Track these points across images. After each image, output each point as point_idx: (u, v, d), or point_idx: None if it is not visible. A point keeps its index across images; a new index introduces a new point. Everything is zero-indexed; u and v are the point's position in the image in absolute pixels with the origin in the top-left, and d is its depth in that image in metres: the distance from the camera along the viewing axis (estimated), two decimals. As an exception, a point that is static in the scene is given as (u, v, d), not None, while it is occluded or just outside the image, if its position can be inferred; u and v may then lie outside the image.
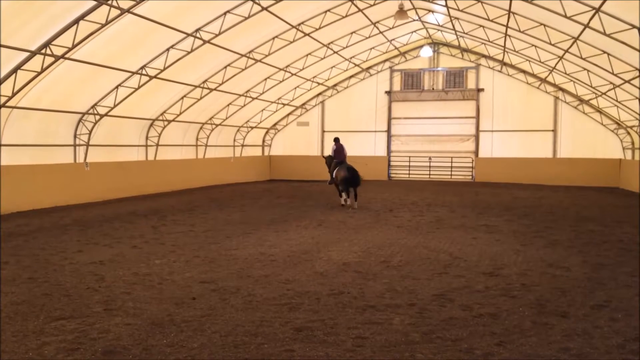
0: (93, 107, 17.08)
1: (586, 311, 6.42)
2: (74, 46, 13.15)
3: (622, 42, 14.47)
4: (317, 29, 19.79)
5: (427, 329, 5.78)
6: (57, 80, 14.78)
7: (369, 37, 23.07)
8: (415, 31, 25.21)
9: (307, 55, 22.79)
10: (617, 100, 20.95)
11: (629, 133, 24.24)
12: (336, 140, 17.41)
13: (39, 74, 13.38)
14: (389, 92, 28.73)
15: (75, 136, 17.40)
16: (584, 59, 18.15)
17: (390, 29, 23.02)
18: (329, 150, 28.63)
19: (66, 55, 13.55)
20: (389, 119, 28.82)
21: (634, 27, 13.45)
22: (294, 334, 5.58)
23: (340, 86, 29.16)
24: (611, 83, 19.45)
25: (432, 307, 6.56)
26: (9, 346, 5.21)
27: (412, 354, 5.11)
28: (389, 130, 28.87)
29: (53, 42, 12.85)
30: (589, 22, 14.65)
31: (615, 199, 19.91)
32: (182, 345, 5.27)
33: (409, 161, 28.74)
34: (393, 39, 25.14)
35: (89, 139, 17.59)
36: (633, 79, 17.01)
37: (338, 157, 17.03)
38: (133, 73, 16.56)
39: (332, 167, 16.86)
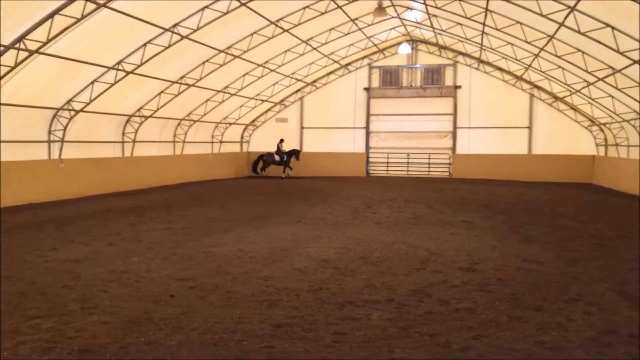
0: (68, 102, 16.81)
1: (560, 305, 6.55)
2: (48, 41, 12.93)
3: (596, 40, 14.71)
4: (296, 25, 19.74)
5: (405, 324, 5.83)
6: (31, 76, 14.49)
7: (348, 33, 23.09)
8: (393, 28, 25.32)
9: (286, 51, 22.73)
10: (590, 98, 21.32)
11: (602, 130, 24.68)
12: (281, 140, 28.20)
13: (13, 68, 13.13)
14: (367, 89, 28.81)
15: (49, 132, 17.12)
16: (559, 57, 18.42)
17: (369, 25, 23.06)
18: (309, 147, 28.77)
19: (40, 50, 13.31)
20: (368, 115, 28.90)
21: (608, 25, 13.70)
22: (273, 330, 5.59)
23: (319, 82, 29.16)
24: (585, 81, 19.78)
25: (410, 302, 6.62)
26: (-17, 346, 5.12)
27: (391, 349, 5.16)
28: (367, 127, 28.96)
29: (27, 37, 12.61)
30: (564, 21, 14.88)
31: (589, 194, 20.28)
32: (160, 343, 5.24)
33: (388, 158, 28.88)
34: (372, 36, 25.21)
35: (63, 135, 17.31)
36: (606, 76, 17.32)
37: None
38: (109, 68, 16.34)
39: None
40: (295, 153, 28.02)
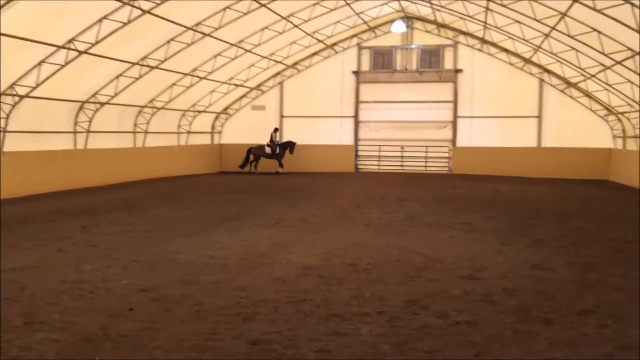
0: (11, 87, 16.59)
1: (572, 317, 6.61)
2: (-13, 15, 12.78)
3: (613, 18, 14.85)
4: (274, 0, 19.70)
5: (398, 339, 5.85)
6: (-33, 55, 14.33)
7: (334, 9, 23.09)
8: (386, 3, 25.36)
9: (263, 29, 22.67)
10: (607, 84, 21.54)
11: (619, 120, 24.97)
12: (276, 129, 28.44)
13: (-54, 47, 12.97)
14: (356, 73, 28.85)
15: (-11, 121, 16.94)
16: (572, 37, 18.58)
17: (358, 0, 23.07)
18: (289, 139, 28.60)
19: (-22, 26, 13.15)
20: (357, 102, 28.95)
21: (626, 2, 13.82)
22: (248, 348, 5.58)
23: (301, 65, 29.13)
24: (601, 64, 19.96)
25: (404, 315, 6.64)
26: None
27: (382, 368, 5.18)
28: (356, 116, 29.02)
29: (-38, 10, 12.45)
30: (577, -4, 15.01)
31: (605, 192, 20.52)
32: (118, 363, 5.21)
33: (379, 151, 28.96)
34: (361, 12, 25.24)
35: (6, 124, 17.10)
36: (625, 59, 17.49)
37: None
38: (59, 47, 16.16)
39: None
40: (289, 145, 27.71)
